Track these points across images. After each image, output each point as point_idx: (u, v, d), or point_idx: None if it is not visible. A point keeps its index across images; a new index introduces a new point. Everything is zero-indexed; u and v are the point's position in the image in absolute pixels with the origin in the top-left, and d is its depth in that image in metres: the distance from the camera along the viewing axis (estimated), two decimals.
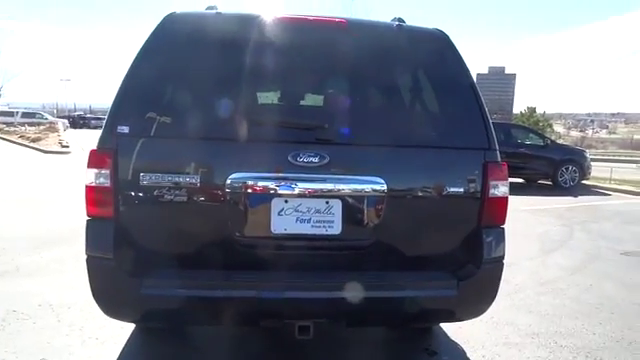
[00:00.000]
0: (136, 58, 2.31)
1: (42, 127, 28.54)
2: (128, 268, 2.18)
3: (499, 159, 2.46)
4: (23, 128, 27.81)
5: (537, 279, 4.92)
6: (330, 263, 2.34)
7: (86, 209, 2.24)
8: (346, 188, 2.27)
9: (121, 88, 2.26)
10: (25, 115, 37.02)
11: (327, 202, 2.27)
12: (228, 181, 2.20)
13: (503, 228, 2.51)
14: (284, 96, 2.53)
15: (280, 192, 2.23)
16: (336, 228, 2.27)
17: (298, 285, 2.24)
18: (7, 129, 27.52)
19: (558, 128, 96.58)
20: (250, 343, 3.20)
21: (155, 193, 2.20)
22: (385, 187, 2.28)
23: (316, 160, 2.22)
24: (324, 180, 2.24)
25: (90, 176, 2.20)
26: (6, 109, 40.57)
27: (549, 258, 5.87)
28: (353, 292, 2.23)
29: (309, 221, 2.26)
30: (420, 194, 2.39)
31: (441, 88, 2.54)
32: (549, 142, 13.96)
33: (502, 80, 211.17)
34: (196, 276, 2.22)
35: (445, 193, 2.38)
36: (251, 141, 2.24)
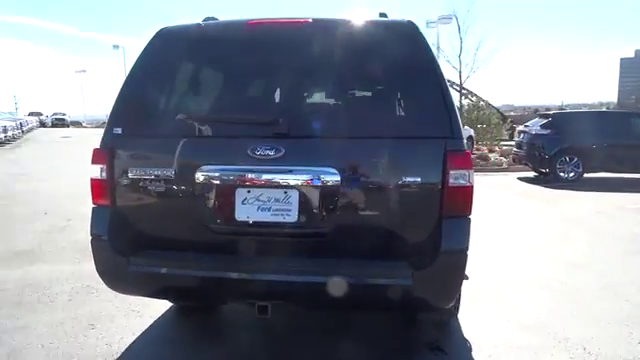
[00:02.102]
0: (132, 68, 2.70)
1: None
2: (119, 248, 2.56)
3: (463, 148, 2.40)
4: None
5: (601, 282, 4.44)
6: (288, 249, 2.49)
7: (92, 198, 2.69)
8: (300, 179, 2.41)
9: (119, 95, 2.67)
10: None
11: (285, 192, 2.43)
12: (198, 174, 2.47)
13: (468, 219, 2.44)
14: (247, 95, 2.72)
15: (241, 183, 2.45)
16: (293, 216, 2.42)
17: (257, 268, 2.44)
18: None
19: None
20: (273, 328, 3.46)
21: (140, 184, 2.57)
22: (338, 177, 2.38)
23: (272, 153, 2.40)
24: (278, 172, 2.42)
25: (93, 171, 2.63)
26: None
27: (630, 261, 5.22)
28: (307, 277, 2.38)
29: (269, 209, 2.45)
30: (376, 184, 2.44)
31: (401, 79, 2.54)
32: None
33: None
34: (173, 257, 2.53)
35: (403, 183, 2.39)
36: (216, 137, 2.51)
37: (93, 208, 2.68)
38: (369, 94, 2.65)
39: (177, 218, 2.60)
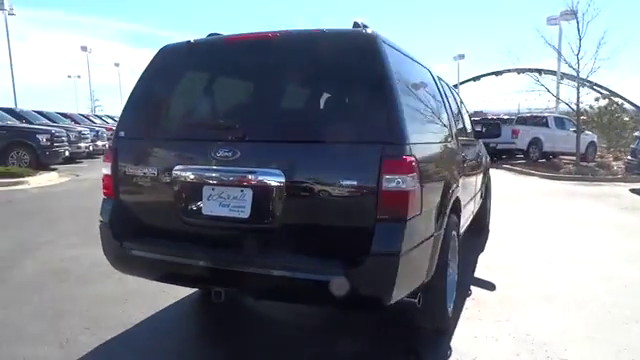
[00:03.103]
0: (138, 79, 3.17)
1: None
2: (116, 233, 3.04)
3: (401, 153, 2.45)
4: None
5: None
6: (242, 242, 2.75)
7: (102, 191, 3.21)
8: (252, 179, 2.67)
9: (126, 103, 3.16)
10: None
11: (242, 190, 2.70)
12: (174, 172, 2.85)
13: (403, 223, 2.47)
14: (216, 103, 3.02)
15: (207, 181, 2.78)
16: (246, 212, 2.68)
17: (214, 258, 2.74)
18: None
19: None
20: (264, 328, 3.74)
21: (134, 180, 3.03)
22: (284, 179, 2.58)
23: (230, 155, 2.69)
24: (234, 172, 2.70)
25: (104, 168, 3.15)
26: None
27: None
28: (254, 269, 2.63)
29: (228, 205, 2.73)
30: (317, 186, 2.59)
31: (349, 87, 2.66)
32: None
33: None
34: (154, 243, 2.93)
35: (341, 185, 2.52)
36: (190, 140, 2.88)
37: (103, 199, 3.20)
38: (318, 101, 2.82)
39: (160, 210, 3.01)
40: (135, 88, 3.15)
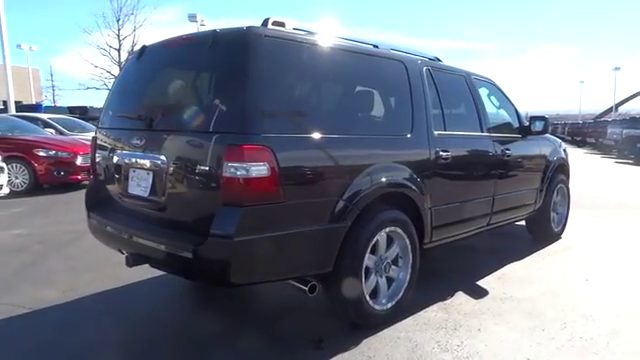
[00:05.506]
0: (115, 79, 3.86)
1: None
2: (88, 205, 3.76)
3: (245, 142, 2.62)
4: None
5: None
6: (144, 216, 3.20)
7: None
8: (147, 163, 3.12)
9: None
10: None
11: (148, 173, 3.16)
12: (115, 157, 3.44)
13: (240, 209, 2.61)
14: (141, 97, 3.46)
15: (129, 165, 3.30)
16: (147, 192, 3.13)
17: (124, 229, 3.25)
18: None
19: None
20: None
21: (99, 164, 3.72)
22: (165, 164, 2.97)
23: (139, 142, 3.19)
24: (139, 157, 3.19)
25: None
26: None
27: None
28: (140, 240, 3.09)
29: (140, 185, 3.22)
30: (186, 171, 2.92)
31: (220, 81, 2.91)
32: None
33: None
34: (102, 215, 3.57)
35: (201, 171, 2.79)
36: (123, 130, 3.45)
37: (90, 179, 3.98)
38: (194, 95, 3.09)
39: (109, 188, 3.64)
40: (113, 85, 3.87)
